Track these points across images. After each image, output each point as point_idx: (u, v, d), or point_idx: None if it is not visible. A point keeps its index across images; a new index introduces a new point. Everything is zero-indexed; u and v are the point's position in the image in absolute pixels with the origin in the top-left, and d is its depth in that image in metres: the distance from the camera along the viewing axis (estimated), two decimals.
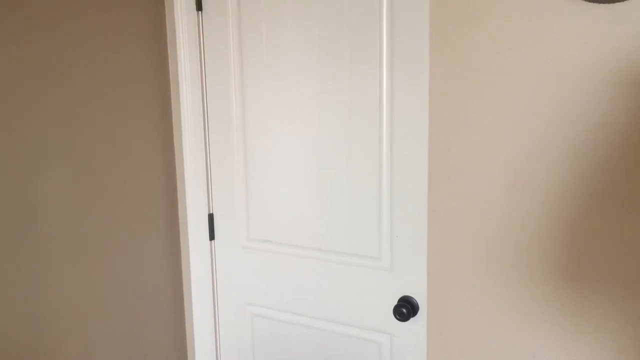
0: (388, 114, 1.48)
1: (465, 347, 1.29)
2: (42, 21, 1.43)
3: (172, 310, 1.95)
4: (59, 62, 1.49)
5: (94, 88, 1.59)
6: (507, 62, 0.92)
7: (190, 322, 1.97)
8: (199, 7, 1.70)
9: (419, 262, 1.50)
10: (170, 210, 1.89)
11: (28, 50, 1.41)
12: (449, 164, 1.06)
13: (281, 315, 1.81)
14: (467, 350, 1.28)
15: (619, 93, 0.83)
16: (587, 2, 0.80)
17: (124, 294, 1.78)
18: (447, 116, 1.05)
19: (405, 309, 1.49)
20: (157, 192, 1.84)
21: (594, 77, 0.85)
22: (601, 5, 0.78)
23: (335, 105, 1.57)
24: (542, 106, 0.90)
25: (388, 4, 1.42)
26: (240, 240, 1.83)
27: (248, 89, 1.69)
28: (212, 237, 1.88)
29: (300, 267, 1.73)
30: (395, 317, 1.50)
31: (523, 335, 1.09)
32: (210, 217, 1.86)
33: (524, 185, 0.94)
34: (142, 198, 1.79)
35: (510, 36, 0.89)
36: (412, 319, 1.53)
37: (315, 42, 1.55)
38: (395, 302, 1.55)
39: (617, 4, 0.77)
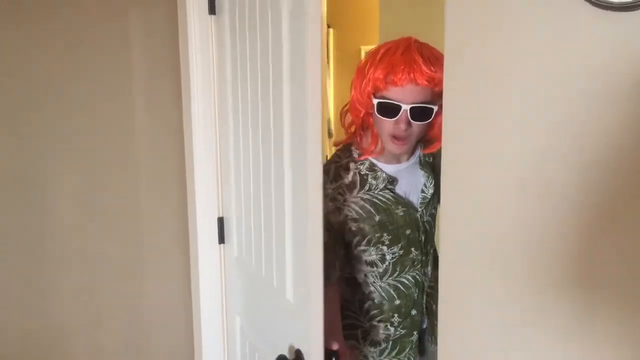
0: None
1: None
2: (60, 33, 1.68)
3: (181, 316, 1.98)
4: (76, 70, 1.71)
5: (107, 88, 1.75)
6: (521, 70, 0.95)
7: (198, 328, 1.96)
8: (212, 11, 1.73)
9: (311, 315, 1.20)
10: (179, 210, 1.93)
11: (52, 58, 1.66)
12: (460, 170, 1.05)
13: (249, 333, 1.67)
14: None
15: (632, 100, 0.84)
16: (603, 10, 0.83)
17: (132, 300, 1.89)
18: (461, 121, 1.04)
19: None
20: (168, 192, 1.91)
21: (607, 83, 0.86)
22: (618, 12, 0.81)
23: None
24: (554, 113, 0.92)
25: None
26: (234, 250, 1.76)
27: (236, 96, 1.63)
28: (221, 240, 1.86)
29: (255, 291, 1.58)
30: None
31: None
32: (220, 221, 1.85)
33: (535, 192, 0.95)
34: (152, 200, 1.89)
35: (524, 45, 0.94)
36: None
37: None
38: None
39: (635, 11, 0.79)
